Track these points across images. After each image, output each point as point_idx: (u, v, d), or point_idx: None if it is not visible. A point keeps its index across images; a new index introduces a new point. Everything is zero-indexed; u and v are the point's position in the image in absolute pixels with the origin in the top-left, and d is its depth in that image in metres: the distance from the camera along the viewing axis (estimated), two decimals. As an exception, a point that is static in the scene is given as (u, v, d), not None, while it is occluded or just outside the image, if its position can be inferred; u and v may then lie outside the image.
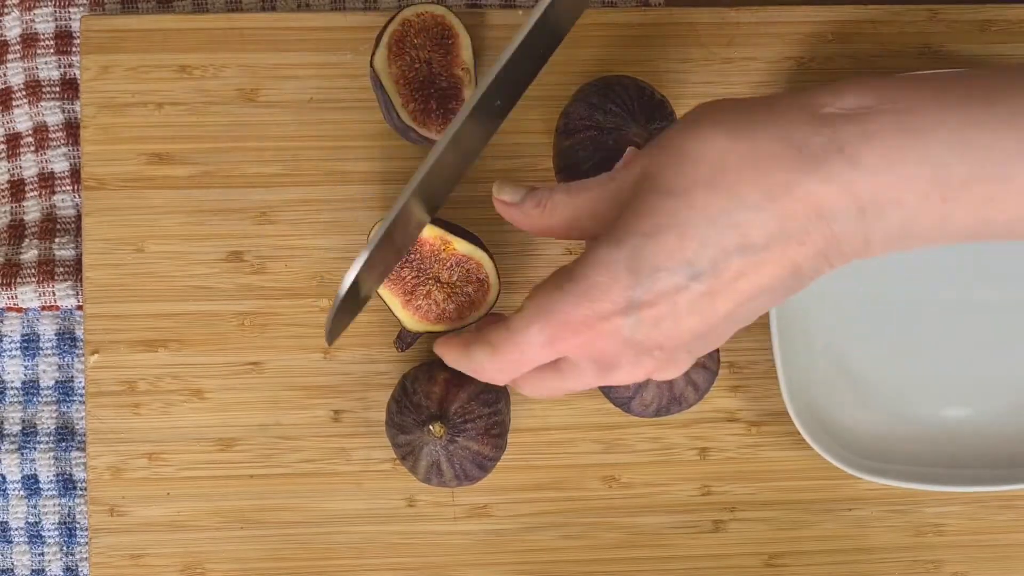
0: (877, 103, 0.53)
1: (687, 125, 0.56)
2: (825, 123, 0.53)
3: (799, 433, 0.74)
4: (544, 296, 0.58)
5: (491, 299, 0.72)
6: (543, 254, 0.77)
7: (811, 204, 0.53)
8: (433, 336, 0.71)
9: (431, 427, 0.69)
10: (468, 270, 0.71)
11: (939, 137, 0.52)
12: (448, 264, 0.71)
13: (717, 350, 0.72)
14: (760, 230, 0.53)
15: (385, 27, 0.72)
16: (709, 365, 0.71)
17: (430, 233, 0.70)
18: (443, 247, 0.71)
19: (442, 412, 0.69)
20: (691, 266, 0.54)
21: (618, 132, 0.69)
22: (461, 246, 0.71)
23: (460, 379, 0.70)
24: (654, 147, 0.57)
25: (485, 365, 0.61)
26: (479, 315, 0.72)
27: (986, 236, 0.54)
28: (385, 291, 0.71)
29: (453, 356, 0.63)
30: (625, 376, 0.59)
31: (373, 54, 0.72)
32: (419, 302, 0.71)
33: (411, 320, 0.71)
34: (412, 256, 0.71)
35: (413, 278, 0.71)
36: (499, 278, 0.72)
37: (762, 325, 0.76)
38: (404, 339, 0.73)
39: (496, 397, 0.71)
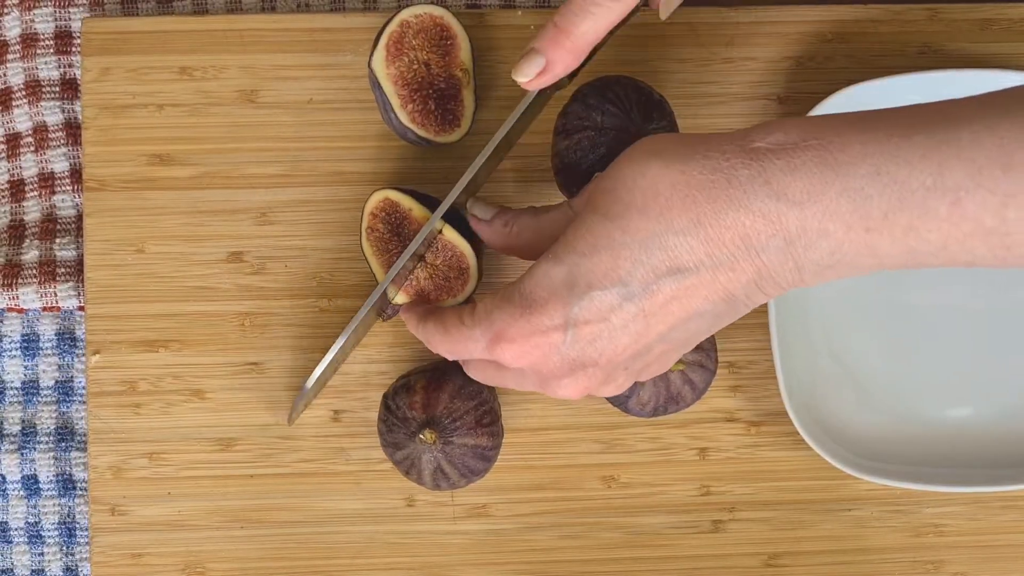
0: (802, 139, 0.55)
1: (627, 155, 0.59)
2: (753, 157, 0.55)
3: (798, 433, 0.74)
4: (492, 304, 0.61)
5: (468, 290, 0.72)
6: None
7: (738, 233, 0.55)
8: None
9: (422, 435, 0.69)
10: (452, 256, 0.72)
11: (860, 171, 0.54)
12: (435, 247, 0.72)
13: (715, 349, 0.72)
14: (689, 255, 0.56)
15: (383, 28, 0.72)
16: (707, 365, 0.71)
17: (420, 215, 0.72)
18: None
19: (429, 418, 0.69)
20: (624, 286, 0.57)
21: (616, 132, 0.69)
22: (449, 234, 0.71)
23: (438, 382, 0.71)
24: (600, 175, 0.60)
25: (435, 342, 0.65)
26: (455, 302, 0.73)
27: (916, 264, 0.56)
28: (373, 260, 0.73)
29: (412, 322, 0.68)
30: (563, 389, 0.61)
31: (371, 55, 0.72)
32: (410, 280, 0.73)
33: (392, 291, 0.72)
34: (402, 231, 0.72)
35: (398, 251, 0.72)
36: (480, 273, 0.72)
37: (762, 325, 0.76)
38: (385, 310, 0.74)
39: (478, 388, 0.71)
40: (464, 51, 0.73)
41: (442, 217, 0.71)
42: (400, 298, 0.73)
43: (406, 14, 0.72)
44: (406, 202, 0.72)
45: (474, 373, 0.66)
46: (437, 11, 0.73)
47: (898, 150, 0.54)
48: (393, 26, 0.72)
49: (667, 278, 0.57)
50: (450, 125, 0.73)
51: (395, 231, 0.73)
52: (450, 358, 0.65)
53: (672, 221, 0.56)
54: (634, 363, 0.61)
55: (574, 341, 0.59)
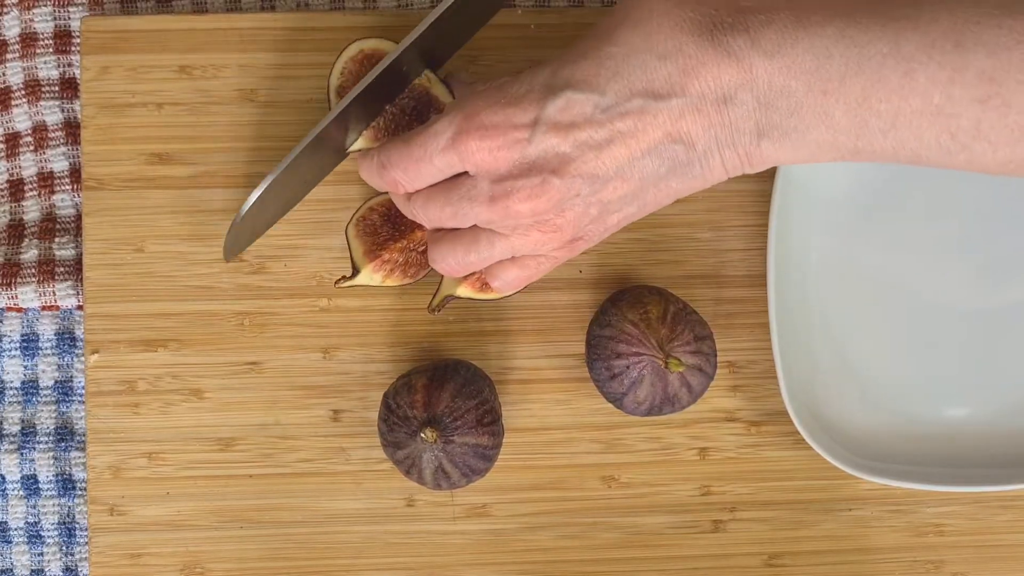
0: (784, 3, 0.60)
1: None
2: (740, 11, 0.60)
3: (799, 433, 0.74)
4: (465, 99, 0.63)
5: None
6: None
7: (712, 74, 0.59)
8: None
9: (423, 434, 0.69)
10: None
11: (825, 32, 0.58)
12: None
13: (715, 354, 0.72)
14: (665, 81, 0.59)
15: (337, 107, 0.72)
16: (706, 370, 0.71)
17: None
18: None
19: (431, 417, 0.69)
20: (600, 95, 0.60)
21: None
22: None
23: (440, 381, 0.70)
24: None
25: (392, 158, 0.65)
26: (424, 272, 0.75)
27: (867, 148, 0.60)
28: (355, 240, 0.73)
29: (366, 163, 0.67)
30: (516, 200, 0.62)
31: (346, 145, 0.72)
32: (385, 256, 0.73)
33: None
34: (391, 213, 0.73)
35: (387, 235, 0.73)
36: None
37: (762, 325, 0.76)
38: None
39: (479, 387, 0.71)
40: None
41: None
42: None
43: (335, 81, 0.73)
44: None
45: (423, 205, 0.65)
46: (353, 49, 0.73)
47: (862, 18, 0.59)
48: (337, 98, 0.73)
49: (639, 99, 0.60)
50: None
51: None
52: (406, 185, 0.65)
53: (657, 44, 0.59)
54: (589, 191, 0.61)
55: (540, 139, 0.60)
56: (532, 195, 0.61)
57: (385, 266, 0.73)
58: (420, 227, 0.73)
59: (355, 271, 0.73)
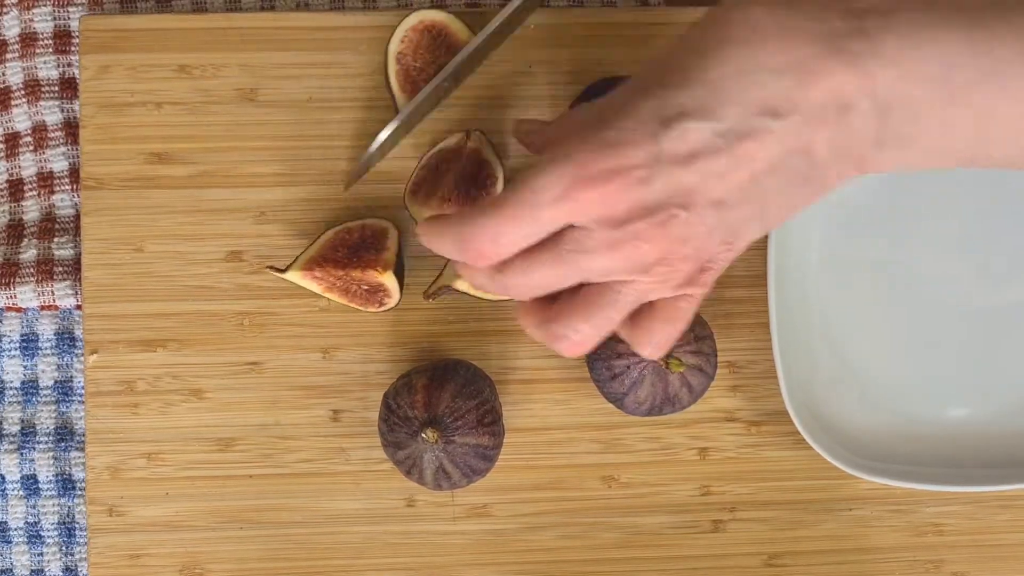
0: (898, 4, 0.56)
1: (729, 1, 0.57)
2: (855, 15, 0.55)
3: (799, 433, 0.74)
4: (566, 144, 0.56)
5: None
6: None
7: (831, 85, 0.54)
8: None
9: (424, 434, 0.69)
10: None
11: (950, 37, 0.54)
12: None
13: (715, 354, 0.72)
14: (782, 96, 0.55)
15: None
16: (707, 370, 0.71)
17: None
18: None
19: (431, 417, 0.69)
20: (717, 121, 0.54)
21: None
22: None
23: (440, 381, 0.70)
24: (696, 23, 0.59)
25: (476, 229, 0.57)
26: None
27: (983, 157, 0.57)
28: (321, 242, 0.74)
29: (437, 238, 0.59)
30: (642, 246, 0.56)
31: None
32: (316, 272, 0.73)
33: (299, 276, 0.73)
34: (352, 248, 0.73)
35: (341, 257, 0.73)
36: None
37: (762, 325, 0.76)
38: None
39: (479, 387, 0.71)
40: (463, 32, 0.74)
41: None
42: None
43: (397, 44, 0.73)
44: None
45: (520, 274, 0.58)
46: (413, 19, 0.73)
47: (990, 23, 0.54)
48: (395, 63, 0.73)
49: (759, 119, 0.54)
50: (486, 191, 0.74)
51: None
52: (491, 257, 0.57)
53: (769, 59, 0.54)
54: (715, 219, 0.56)
55: (661, 175, 0.54)
56: (659, 233, 0.55)
57: (315, 280, 0.73)
58: (362, 268, 0.72)
59: (288, 267, 0.73)
